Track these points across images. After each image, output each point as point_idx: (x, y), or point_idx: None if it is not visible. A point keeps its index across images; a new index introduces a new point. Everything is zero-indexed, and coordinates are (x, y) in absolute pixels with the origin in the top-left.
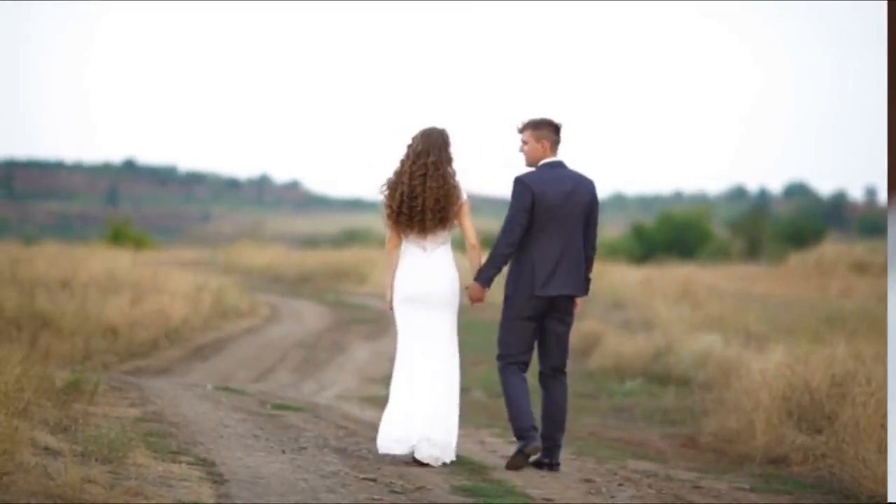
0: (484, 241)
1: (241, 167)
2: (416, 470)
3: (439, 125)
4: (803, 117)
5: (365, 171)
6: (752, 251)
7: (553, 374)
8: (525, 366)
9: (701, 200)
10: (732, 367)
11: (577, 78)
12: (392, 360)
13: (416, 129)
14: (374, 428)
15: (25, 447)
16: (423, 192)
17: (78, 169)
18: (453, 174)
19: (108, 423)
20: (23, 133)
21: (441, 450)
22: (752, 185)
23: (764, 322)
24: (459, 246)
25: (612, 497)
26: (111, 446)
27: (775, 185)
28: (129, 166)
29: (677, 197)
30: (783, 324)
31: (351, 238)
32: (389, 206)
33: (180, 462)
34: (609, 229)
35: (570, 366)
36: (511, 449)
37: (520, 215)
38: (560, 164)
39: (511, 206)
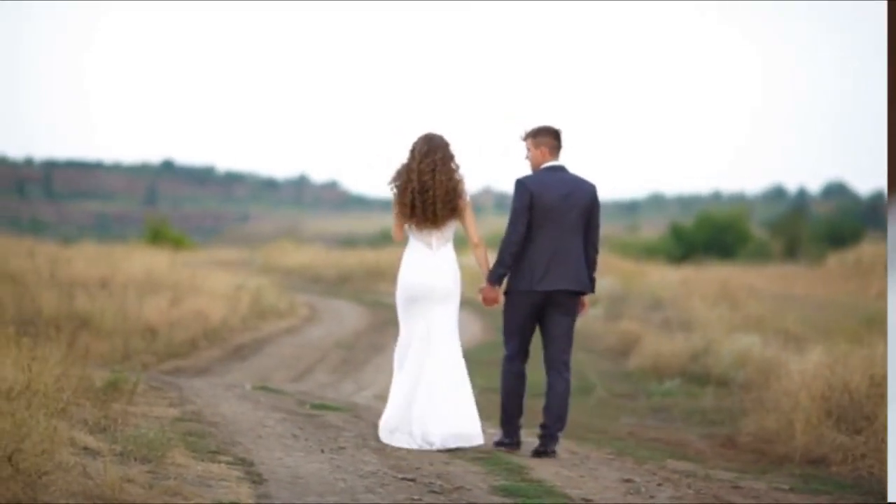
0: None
1: (279, 167)
2: (455, 470)
3: (438, 132)
4: (842, 117)
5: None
6: (791, 252)
7: (555, 367)
8: (525, 355)
9: (739, 201)
10: (771, 367)
11: (618, 79)
12: None
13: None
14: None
15: (65, 447)
16: (433, 185)
17: (117, 169)
18: (458, 169)
19: (147, 423)
20: (62, 133)
21: (464, 438)
22: (791, 186)
23: (803, 322)
24: (460, 244)
25: (652, 497)
26: (150, 446)
27: (814, 186)
28: (168, 166)
29: (716, 197)
30: (822, 324)
31: (389, 238)
32: (401, 203)
33: (219, 462)
34: (648, 230)
35: (608, 365)
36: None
37: (520, 214)
38: (560, 168)
39: (512, 207)
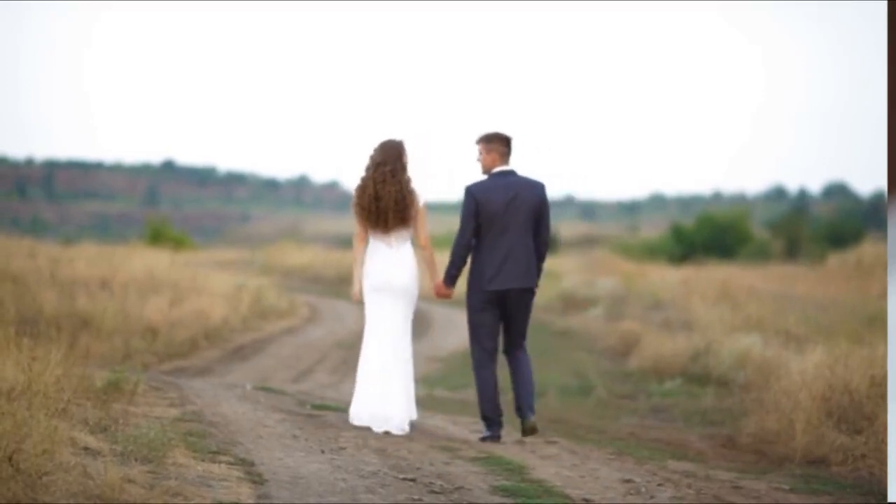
0: None
1: (280, 168)
2: (456, 470)
3: (397, 138)
4: (843, 117)
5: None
6: (792, 252)
7: (513, 351)
8: (492, 352)
9: (740, 201)
10: (772, 367)
11: (619, 79)
12: (431, 359)
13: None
14: (413, 427)
15: (65, 447)
16: (384, 195)
17: (118, 169)
18: (408, 181)
19: (147, 423)
20: (62, 134)
21: (403, 422)
22: (792, 186)
23: (803, 323)
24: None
25: (652, 497)
26: (151, 446)
27: (815, 186)
28: (169, 167)
29: (717, 197)
30: (823, 324)
31: None
32: (360, 206)
33: (220, 462)
34: (648, 230)
35: (608, 366)
36: (550, 449)
37: (467, 220)
38: (510, 173)
39: (461, 212)
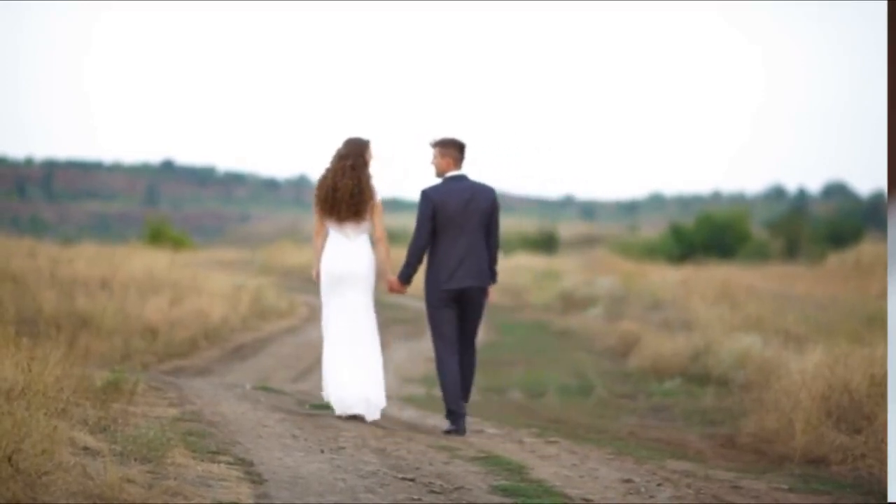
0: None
1: (279, 168)
2: (455, 470)
3: (364, 136)
4: (843, 117)
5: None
6: (791, 251)
7: (464, 349)
8: (453, 346)
9: (740, 201)
10: (772, 367)
11: (619, 79)
12: (431, 359)
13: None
14: (413, 427)
15: (65, 447)
16: (341, 187)
17: (117, 169)
18: (368, 177)
19: (147, 423)
20: (62, 133)
21: (375, 407)
22: (791, 186)
23: (803, 322)
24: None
25: (652, 497)
26: (150, 446)
27: (814, 185)
28: (168, 167)
29: (716, 197)
30: (822, 324)
31: (388, 238)
32: (318, 196)
33: (219, 462)
34: (648, 229)
35: (608, 366)
36: (549, 449)
37: (423, 223)
38: (462, 177)
39: (417, 214)
